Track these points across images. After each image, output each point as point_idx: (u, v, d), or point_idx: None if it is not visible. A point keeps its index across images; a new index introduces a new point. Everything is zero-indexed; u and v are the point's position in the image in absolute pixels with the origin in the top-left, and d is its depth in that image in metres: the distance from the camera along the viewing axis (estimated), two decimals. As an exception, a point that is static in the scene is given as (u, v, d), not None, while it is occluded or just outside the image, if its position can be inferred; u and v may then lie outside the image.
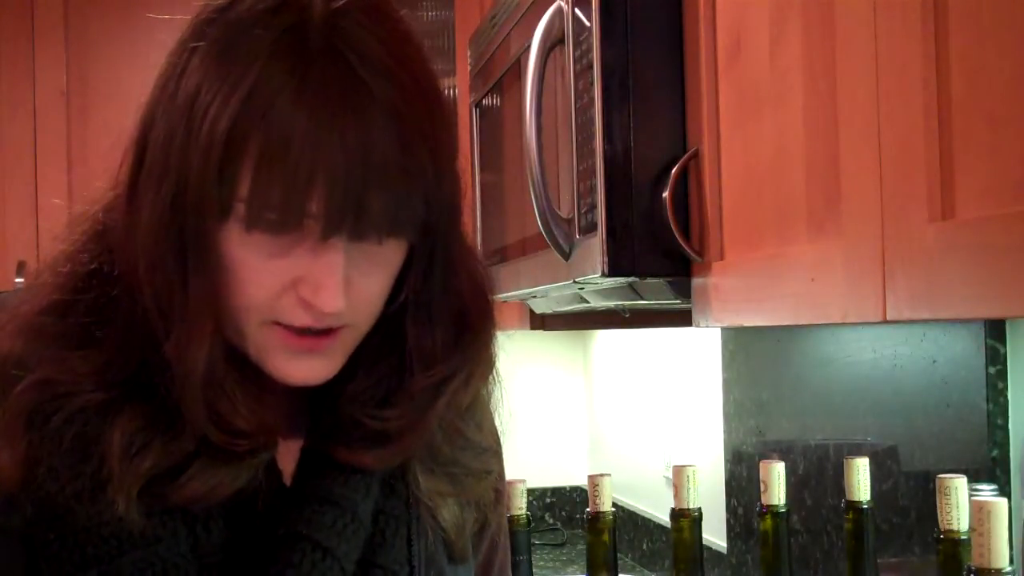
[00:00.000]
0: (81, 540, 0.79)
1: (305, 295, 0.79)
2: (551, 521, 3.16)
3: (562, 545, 2.98)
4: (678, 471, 1.32)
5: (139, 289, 0.81)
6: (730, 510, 2.06)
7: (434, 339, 0.86)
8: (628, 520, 2.69)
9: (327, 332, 0.81)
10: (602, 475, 1.35)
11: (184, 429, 0.80)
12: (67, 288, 0.85)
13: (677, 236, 1.21)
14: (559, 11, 1.37)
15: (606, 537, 1.35)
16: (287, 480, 0.87)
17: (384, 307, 0.85)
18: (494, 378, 0.94)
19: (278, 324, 0.81)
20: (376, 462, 0.86)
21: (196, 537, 0.82)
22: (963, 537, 1.04)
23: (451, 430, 0.91)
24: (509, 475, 1.28)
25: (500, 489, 1.02)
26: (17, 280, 2.93)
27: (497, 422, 1.00)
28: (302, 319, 0.80)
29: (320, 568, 0.82)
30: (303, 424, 0.89)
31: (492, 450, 0.98)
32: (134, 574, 0.79)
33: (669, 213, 1.21)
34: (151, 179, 0.80)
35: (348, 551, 0.84)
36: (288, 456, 0.87)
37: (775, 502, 1.29)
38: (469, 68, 2.04)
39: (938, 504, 1.06)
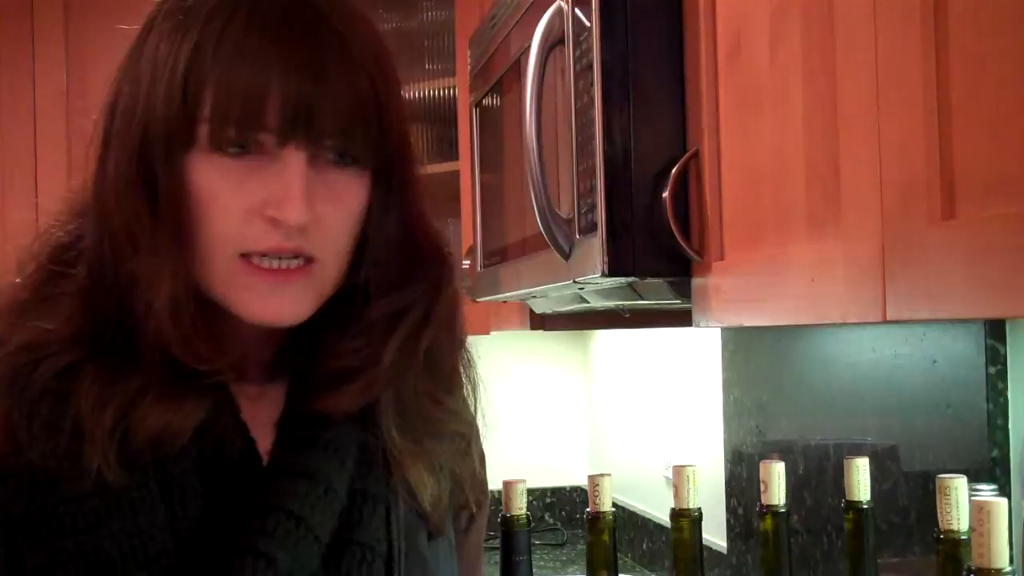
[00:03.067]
0: (59, 512, 0.81)
1: (270, 212, 0.82)
2: (551, 521, 3.16)
3: (562, 545, 2.98)
4: (678, 471, 1.32)
5: (109, 230, 0.84)
6: (730, 510, 2.06)
7: (390, 269, 0.90)
8: (628, 520, 2.69)
9: (295, 270, 0.84)
10: (602, 475, 1.35)
11: (140, 367, 0.83)
12: (41, 264, 0.89)
13: (677, 236, 1.21)
14: (559, 11, 1.37)
15: (606, 537, 1.35)
16: (264, 460, 0.89)
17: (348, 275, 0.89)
18: (466, 356, 0.98)
19: (247, 258, 0.83)
20: (348, 400, 0.89)
21: (173, 512, 0.83)
22: (963, 537, 1.04)
23: (424, 392, 0.93)
24: (509, 475, 1.28)
25: (478, 452, 1.04)
26: (17, 280, 2.93)
27: (480, 417, 1.02)
28: (269, 239, 0.83)
29: (294, 536, 0.84)
30: (280, 401, 0.91)
31: (467, 420, 1.00)
32: (112, 545, 0.81)
33: (669, 213, 1.21)
34: (121, 128, 0.85)
35: (322, 521, 0.86)
36: (265, 435, 0.89)
37: (775, 502, 1.29)
38: (469, 68, 2.04)
39: (938, 504, 1.06)
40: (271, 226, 0.82)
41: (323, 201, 0.84)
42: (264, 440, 0.89)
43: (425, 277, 0.92)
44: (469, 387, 0.99)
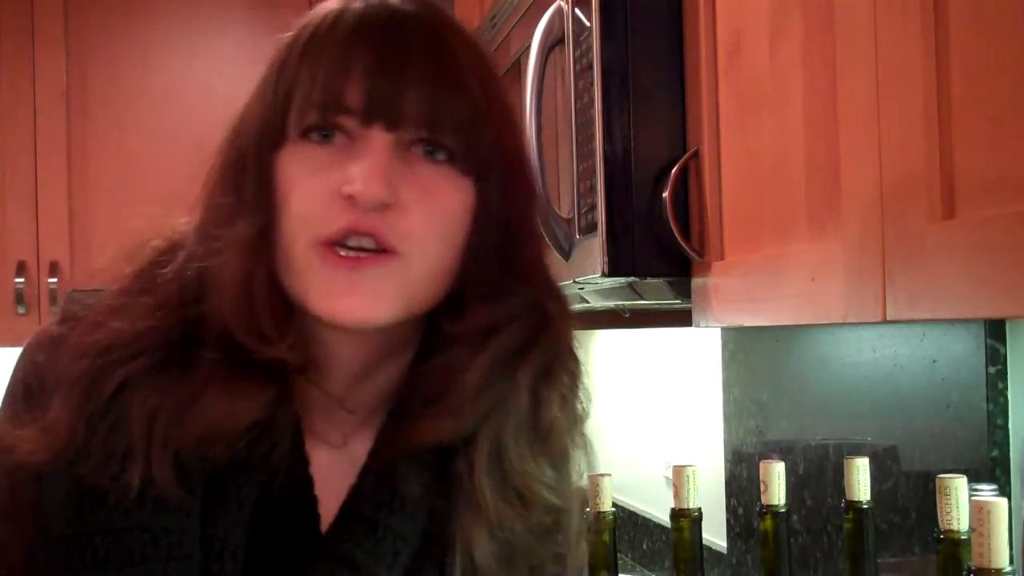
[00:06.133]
0: (95, 542, 0.79)
1: (346, 189, 0.80)
2: (551, 521, 3.15)
3: (562, 545, 2.98)
4: (678, 471, 1.32)
5: (199, 228, 0.84)
6: (730, 510, 2.06)
7: (486, 280, 0.85)
8: (628, 520, 2.69)
9: (371, 256, 0.80)
10: (602, 475, 1.35)
11: (198, 371, 0.80)
12: (136, 268, 0.88)
13: (677, 236, 1.21)
14: (559, 11, 1.37)
15: (606, 537, 1.35)
16: (324, 524, 0.86)
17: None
18: (583, 440, 0.91)
19: (323, 245, 0.80)
20: (430, 431, 0.84)
21: (208, 567, 0.81)
22: (963, 537, 1.04)
23: (525, 449, 0.87)
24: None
25: (562, 554, 0.93)
26: (17, 280, 2.93)
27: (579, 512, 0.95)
28: (343, 219, 0.79)
29: None
30: (362, 456, 0.88)
31: (565, 496, 0.91)
32: None
33: (669, 213, 1.21)
34: (225, 140, 0.87)
35: None
36: (333, 495, 0.86)
37: (775, 502, 1.29)
38: (469, 68, 2.03)
39: (938, 504, 1.06)
40: (348, 205, 0.79)
41: (409, 188, 0.81)
42: (330, 501, 0.86)
43: (526, 293, 0.86)
44: (578, 471, 0.92)
